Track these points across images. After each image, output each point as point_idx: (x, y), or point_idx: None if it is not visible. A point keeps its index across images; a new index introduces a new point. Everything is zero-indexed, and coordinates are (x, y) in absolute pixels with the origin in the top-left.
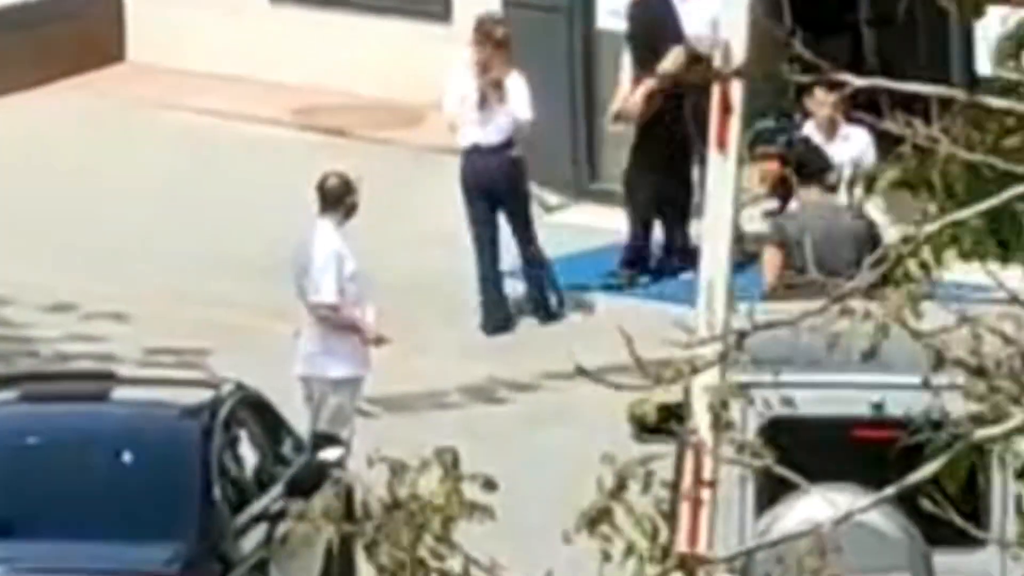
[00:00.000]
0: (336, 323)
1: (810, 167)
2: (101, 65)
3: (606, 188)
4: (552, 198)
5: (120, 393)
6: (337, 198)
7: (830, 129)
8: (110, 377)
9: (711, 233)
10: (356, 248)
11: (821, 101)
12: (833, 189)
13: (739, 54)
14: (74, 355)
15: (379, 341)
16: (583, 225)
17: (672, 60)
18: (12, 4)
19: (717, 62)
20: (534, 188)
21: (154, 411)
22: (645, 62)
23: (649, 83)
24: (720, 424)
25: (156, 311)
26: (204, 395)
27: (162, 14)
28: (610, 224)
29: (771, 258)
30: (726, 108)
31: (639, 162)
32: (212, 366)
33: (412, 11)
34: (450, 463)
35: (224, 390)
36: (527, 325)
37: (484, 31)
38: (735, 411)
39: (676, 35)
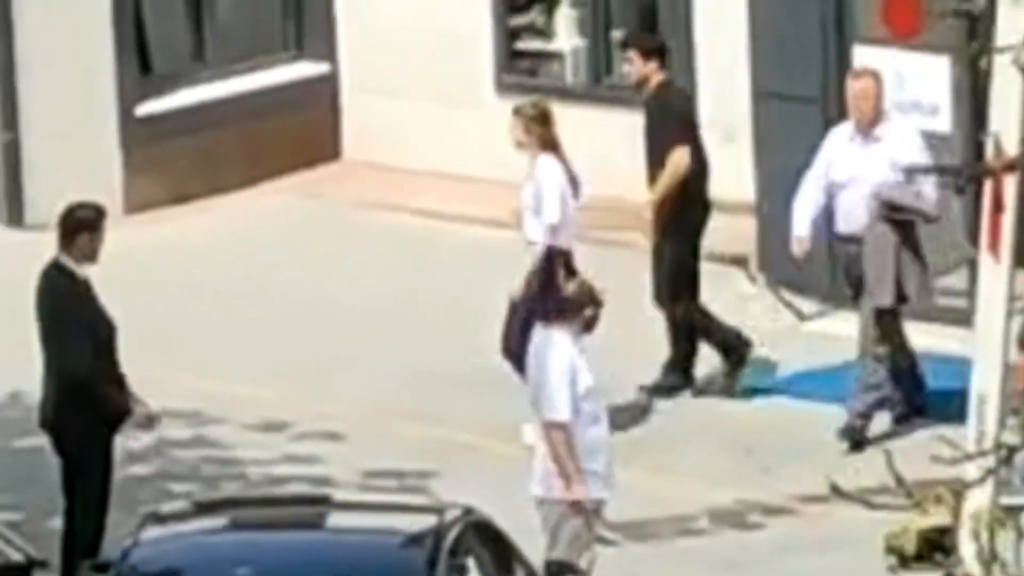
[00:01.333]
0: (554, 444)
1: None
2: (316, 163)
3: None
4: (808, 306)
5: (336, 519)
6: (574, 308)
7: None
8: (325, 502)
9: (983, 344)
10: (593, 361)
11: None
12: None
13: (1011, 147)
14: (286, 478)
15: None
16: (841, 335)
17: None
18: (224, 97)
19: (988, 157)
20: (787, 296)
21: (374, 539)
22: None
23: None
24: (988, 556)
25: (374, 430)
26: (428, 521)
27: (381, 109)
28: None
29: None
30: (998, 206)
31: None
32: (436, 489)
33: None
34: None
35: (449, 516)
36: (774, 443)
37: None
38: (1006, 541)
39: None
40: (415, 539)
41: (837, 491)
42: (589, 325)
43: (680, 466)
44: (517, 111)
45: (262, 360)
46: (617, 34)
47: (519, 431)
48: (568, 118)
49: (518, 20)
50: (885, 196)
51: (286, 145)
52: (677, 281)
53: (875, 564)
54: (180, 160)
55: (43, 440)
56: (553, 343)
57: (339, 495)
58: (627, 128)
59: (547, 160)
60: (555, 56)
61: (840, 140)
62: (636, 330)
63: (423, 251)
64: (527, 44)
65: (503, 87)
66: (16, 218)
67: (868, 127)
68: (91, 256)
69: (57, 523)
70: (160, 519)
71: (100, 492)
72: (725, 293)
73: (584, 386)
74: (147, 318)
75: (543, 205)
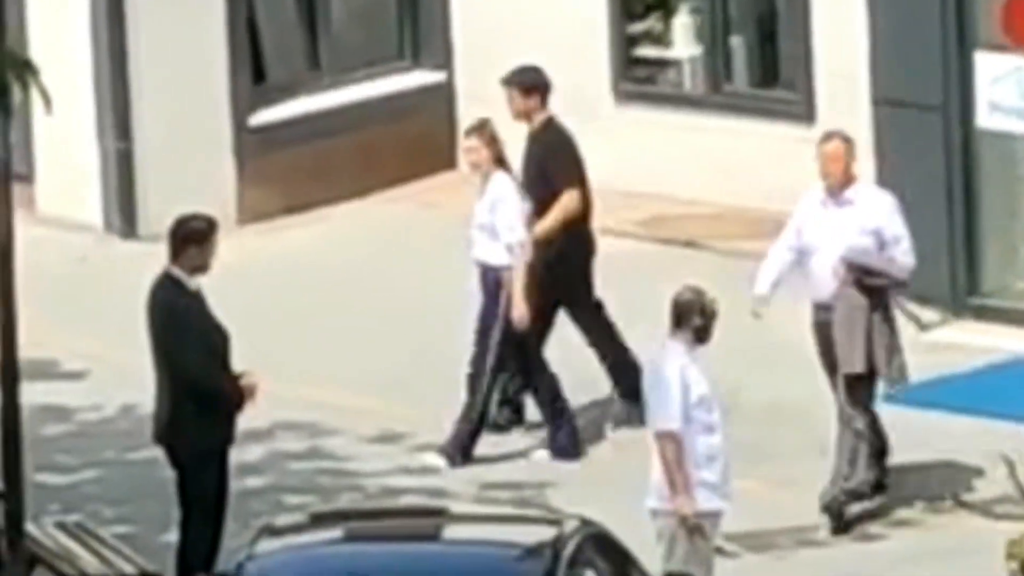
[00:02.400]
0: (664, 454)
1: None
2: (430, 173)
3: (987, 304)
4: (927, 314)
5: (453, 531)
6: (685, 316)
7: None
8: (442, 514)
9: None
10: (709, 371)
11: None
12: None
13: None
14: (402, 489)
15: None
16: (960, 343)
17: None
18: (338, 106)
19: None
20: (906, 304)
21: (491, 551)
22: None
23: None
24: None
25: (489, 441)
26: (546, 533)
27: (497, 118)
28: (989, 342)
29: None
30: None
31: None
32: (553, 501)
33: (771, 111)
34: None
35: (567, 527)
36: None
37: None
38: None
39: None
40: (533, 551)
41: (959, 502)
42: (700, 335)
43: (799, 476)
44: (477, 130)
45: (376, 371)
46: (736, 41)
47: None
48: (686, 126)
49: (635, 27)
50: (855, 261)
51: (400, 154)
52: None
53: (996, 573)
54: (294, 170)
55: (156, 452)
56: (666, 352)
57: (456, 507)
58: (745, 136)
59: (502, 177)
60: (673, 63)
61: (811, 204)
62: (757, 341)
63: None
64: (644, 51)
65: (620, 95)
66: (129, 229)
67: (838, 190)
68: (202, 268)
69: (171, 536)
70: (275, 531)
71: (215, 504)
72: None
73: (697, 395)
74: (261, 328)
75: (506, 223)
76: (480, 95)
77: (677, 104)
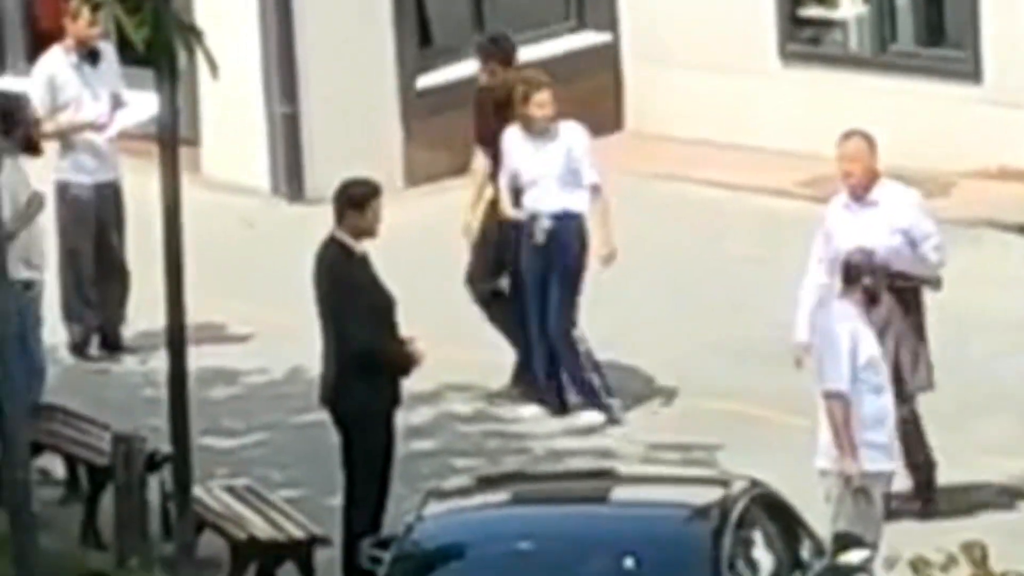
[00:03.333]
0: (831, 414)
1: None
2: (598, 134)
3: None
4: None
5: (620, 493)
6: (854, 276)
7: None
8: (609, 476)
9: None
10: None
11: None
12: None
13: None
14: (569, 452)
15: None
16: None
17: None
18: None
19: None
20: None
21: (658, 512)
22: None
23: None
24: None
25: (658, 402)
26: (714, 494)
27: (662, 78)
28: None
29: None
30: None
31: None
32: (721, 462)
33: (937, 70)
34: (979, 558)
35: (736, 488)
36: None
37: None
38: None
39: None
40: (701, 512)
41: None
42: (872, 296)
43: (969, 437)
44: (547, 84)
45: None
46: (901, 0)
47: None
48: (852, 86)
49: None
50: (887, 264)
51: (567, 116)
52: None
53: None
54: (460, 133)
55: (324, 415)
56: (835, 312)
57: (623, 469)
58: (911, 95)
59: (572, 125)
60: (838, 24)
61: (836, 209)
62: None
63: (708, 222)
64: (810, 12)
65: (787, 56)
66: (296, 192)
67: (862, 191)
68: (367, 231)
69: (338, 500)
70: (442, 495)
71: (381, 468)
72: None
73: (866, 356)
74: (428, 291)
75: (588, 163)
76: (646, 54)
77: (843, 64)
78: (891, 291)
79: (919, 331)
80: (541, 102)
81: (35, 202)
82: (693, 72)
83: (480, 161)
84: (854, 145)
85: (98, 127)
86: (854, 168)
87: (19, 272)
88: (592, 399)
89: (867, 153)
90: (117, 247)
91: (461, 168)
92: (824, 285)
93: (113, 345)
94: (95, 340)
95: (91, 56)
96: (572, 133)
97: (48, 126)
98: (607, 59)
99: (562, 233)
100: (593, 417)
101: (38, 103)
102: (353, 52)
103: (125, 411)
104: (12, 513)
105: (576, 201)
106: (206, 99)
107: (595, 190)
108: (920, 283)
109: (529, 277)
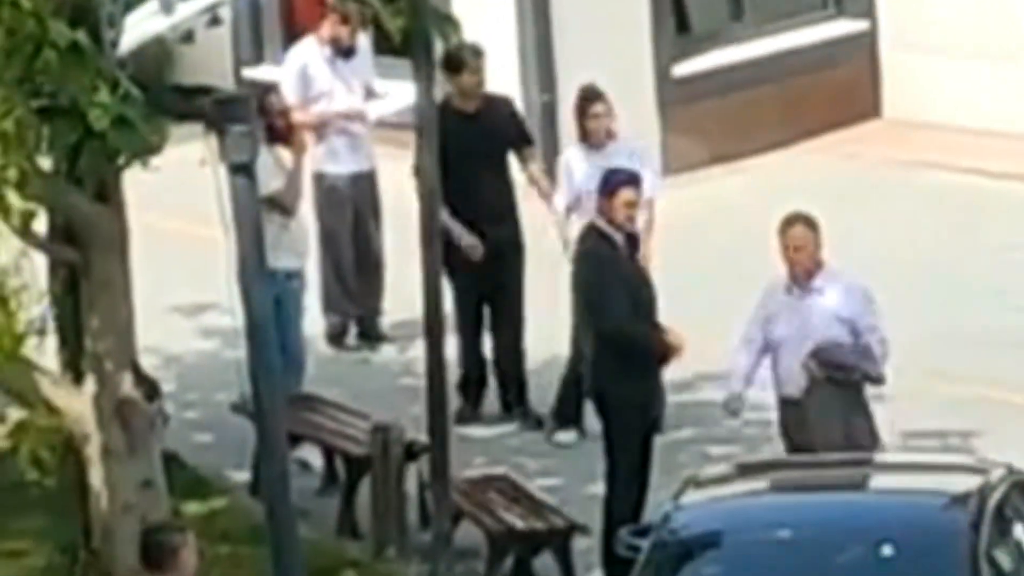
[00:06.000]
0: None
1: None
2: (854, 122)
3: None
4: None
5: (878, 480)
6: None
7: None
8: (868, 463)
9: None
10: None
11: None
12: None
13: None
14: None
15: None
16: None
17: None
18: (761, 56)
19: None
20: None
21: (916, 500)
22: None
23: None
24: None
25: (914, 389)
26: (972, 481)
27: (921, 65)
28: None
29: None
30: None
31: None
32: (978, 449)
33: None
34: None
35: (994, 475)
36: None
37: None
38: None
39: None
40: (959, 500)
41: None
42: None
43: None
44: (601, 96)
45: None
46: None
47: None
48: None
49: None
50: (828, 356)
51: (824, 104)
52: None
53: None
54: (717, 120)
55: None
56: None
57: (880, 456)
58: None
59: (626, 136)
60: None
61: (775, 292)
62: None
63: (967, 209)
64: None
65: None
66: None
67: (805, 279)
68: (627, 221)
69: (598, 488)
70: (700, 483)
71: (641, 457)
72: None
73: None
74: (687, 279)
75: (649, 161)
76: (904, 42)
77: None
78: (835, 384)
79: (870, 425)
80: (595, 114)
81: (291, 192)
82: (951, 59)
83: None
84: (800, 233)
85: (352, 117)
86: (800, 257)
87: (280, 261)
88: None
89: (812, 240)
90: (374, 237)
91: (718, 156)
92: (759, 351)
93: (371, 335)
94: (353, 330)
95: (345, 53)
96: (632, 143)
97: (299, 116)
98: (864, 47)
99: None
100: None
101: (289, 93)
102: (610, 40)
103: (383, 401)
104: (270, 504)
105: (654, 186)
106: None
107: (650, 203)
108: (862, 377)
109: None
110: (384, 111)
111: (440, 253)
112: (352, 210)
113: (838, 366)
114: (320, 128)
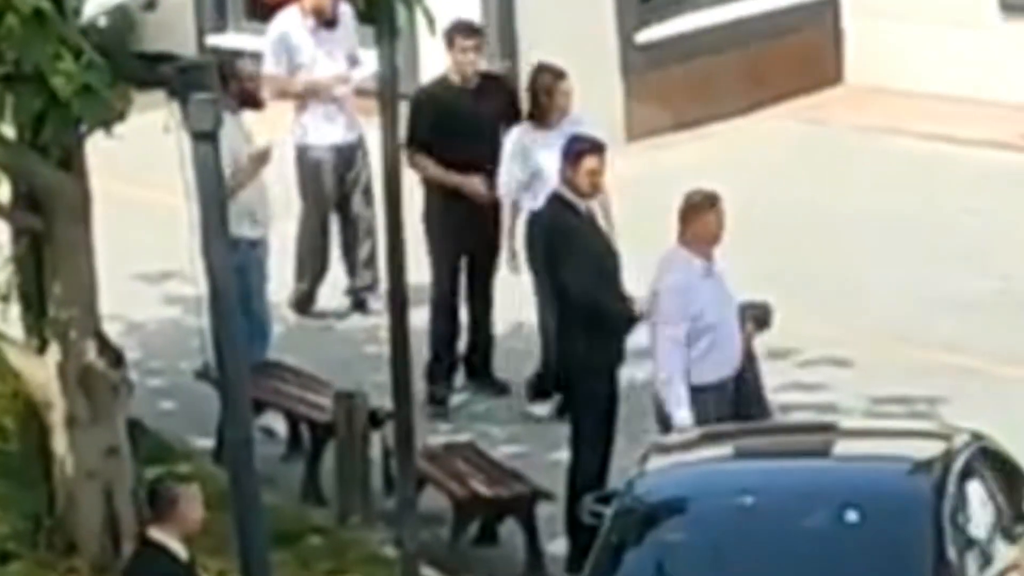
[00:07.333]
0: None
1: None
2: (817, 88)
3: None
4: None
5: (842, 446)
6: None
7: None
8: (831, 429)
9: None
10: None
11: None
12: None
13: None
14: (792, 405)
15: None
16: None
17: None
18: (723, 22)
19: None
20: None
21: (880, 466)
22: None
23: None
24: None
25: (881, 355)
26: (935, 447)
27: (883, 31)
28: None
29: None
30: None
31: None
32: (943, 415)
33: None
34: None
35: (958, 441)
36: None
37: None
38: None
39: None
40: (922, 465)
41: None
42: None
43: None
44: (565, 75)
45: (764, 286)
46: None
47: None
48: None
49: None
50: (754, 312)
51: (787, 70)
52: None
53: None
54: (680, 87)
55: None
56: None
57: (845, 422)
58: None
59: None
60: None
61: (694, 282)
62: None
63: (929, 175)
64: None
65: (1007, 7)
66: None
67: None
68: (591, 189)
69: (563, 456)
70: (665, 449)
71: (605, 423)
72: None
73: None
74: (650, 245)
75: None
76: (866, 8)
77: None
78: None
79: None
80: (564, 91)
81: (259, 158)
82: (913, 24)
83: None
84: (722, 208)
85: (333, 86)
86: (722, 232)
87: (243, 229)
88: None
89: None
90: (362, 208)
91: (681, 123)
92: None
93: (361, 305)
94: (319, 299)
95: (328, 23)
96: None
97: (281, 86)
98: (827, 12)
99: None
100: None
101: (270, 62)
102: (573, 7)
103: (347, 368)
104: (234, 471)
105: None
106: (425, 55)
107: None
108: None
109: None
110: (358, 78)
111: (402, 222)
112: (336, 181)
113: (764, 317)
114: (304, 98)
